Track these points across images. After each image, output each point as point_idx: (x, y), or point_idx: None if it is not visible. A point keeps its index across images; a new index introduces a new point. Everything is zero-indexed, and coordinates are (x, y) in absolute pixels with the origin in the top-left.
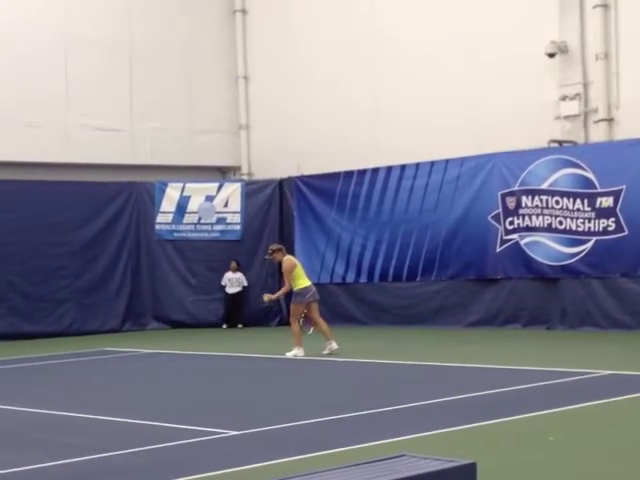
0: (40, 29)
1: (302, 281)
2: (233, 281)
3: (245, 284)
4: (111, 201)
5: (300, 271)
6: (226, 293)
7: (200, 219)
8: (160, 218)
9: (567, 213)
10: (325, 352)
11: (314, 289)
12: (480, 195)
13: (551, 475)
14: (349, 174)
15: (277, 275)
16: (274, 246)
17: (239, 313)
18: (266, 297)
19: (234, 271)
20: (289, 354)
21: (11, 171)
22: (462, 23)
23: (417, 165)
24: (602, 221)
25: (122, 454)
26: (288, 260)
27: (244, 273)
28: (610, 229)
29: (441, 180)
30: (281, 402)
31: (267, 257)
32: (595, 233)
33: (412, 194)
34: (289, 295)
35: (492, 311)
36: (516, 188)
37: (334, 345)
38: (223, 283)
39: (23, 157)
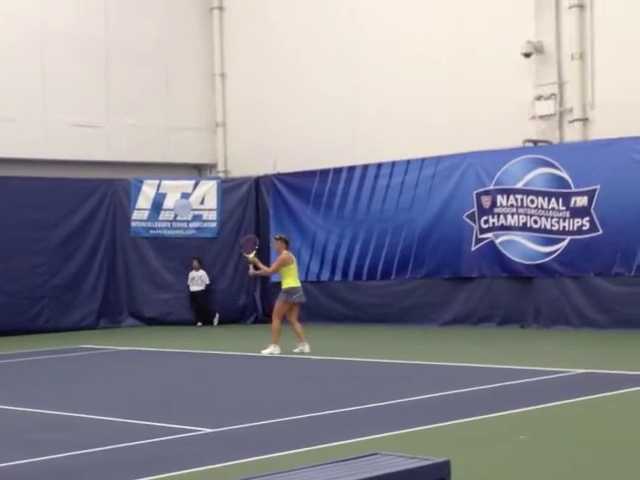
0: (16, 24)
1: (292, 280)
2: (196, 279)
3: (207, 282)
4: (87, 198)
5: (294, 270)
6: (190, 291)
7: (176, 216)
8: (136, 215)
9: (542, 212)
10: (296, 351)
11: (302, 291)
12: (455, 194)
13: (524, 473)
14: (325, 172)
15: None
16: (282, 235)
17: (204, 311)
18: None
19: (197, 269)
20: (265, 352)
21: None
22: (439, 23)
23: (393, 164)
24: (576, 220)
25: (97, 451)
26: (288, 254)
27: (220, 271)
28: (584, 228)
29: (417, 179)
30: (256, 400)
31: (275, 238)
32: (569, 232)
33: (388, 193)
34: (264, 292)
35: (466, 310)
36: (491, 187)
37: (306, 348)
38: (189, 282)
39: None
